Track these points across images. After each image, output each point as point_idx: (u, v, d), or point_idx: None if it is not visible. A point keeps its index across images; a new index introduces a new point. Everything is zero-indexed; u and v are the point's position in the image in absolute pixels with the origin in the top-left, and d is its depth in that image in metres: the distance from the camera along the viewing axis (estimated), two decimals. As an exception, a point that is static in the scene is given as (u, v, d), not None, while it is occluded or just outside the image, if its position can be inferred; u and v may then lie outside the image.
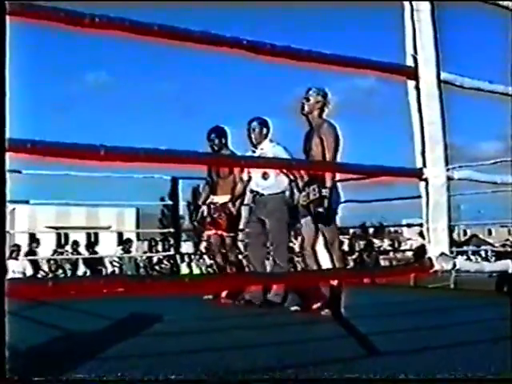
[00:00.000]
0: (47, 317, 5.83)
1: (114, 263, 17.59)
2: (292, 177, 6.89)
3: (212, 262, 9.42)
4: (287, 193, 7.02)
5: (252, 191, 7.30)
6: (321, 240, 6.32)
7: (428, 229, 2.72)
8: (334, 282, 5.90)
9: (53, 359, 3.93)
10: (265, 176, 7.01)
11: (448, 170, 2.74)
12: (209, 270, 15.78)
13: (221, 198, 7.72)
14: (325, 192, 6.00)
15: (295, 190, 6.85)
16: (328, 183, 6.02)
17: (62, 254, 17.37)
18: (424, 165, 2.69)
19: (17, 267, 14.31)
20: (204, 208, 7.92)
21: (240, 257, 8.30)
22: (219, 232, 7.74)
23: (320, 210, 6.04)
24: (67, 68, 72.64)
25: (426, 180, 2.68)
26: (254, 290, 6.88)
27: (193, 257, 16.61)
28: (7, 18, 1.85)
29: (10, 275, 13.69)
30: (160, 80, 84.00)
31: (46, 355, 4.08)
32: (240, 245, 8.74)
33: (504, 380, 3.28)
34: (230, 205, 7.59)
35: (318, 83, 6.52)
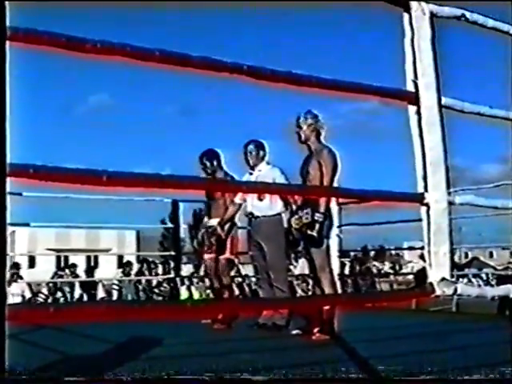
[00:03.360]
0: (46, 340, 5.82)
1: (114, 286, 17.59)
2: (287, 200, 6.92)
3: (210, 285, 9.42)
4: (284, 215, 7.03)
5: (247, 213, 7.32)
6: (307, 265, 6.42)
7: (429, 253, 2.72)
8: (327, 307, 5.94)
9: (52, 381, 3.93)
10: (260, 197, 7.03)
11: (450, 193, 2.74)
12: (207, 292, 15.77)
13: (215, 221, 7.73)
14: (317, 216, 6.05)
15: (288, 213, 6.87)
16: (322, 208, 6.07)
17: (61, 276, 17.33)
18: (425, 189, 2.69)
19: (15, 290, 14.35)
20: (202, 231, 7.96)
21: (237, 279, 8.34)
22: (214, 255, 7.76)
23: (310, 232, 6.09)
24: (71, 90, 72.78)
25: (427, 205, 2.69)
26: (265, 314, 6.88)
27: (192, 280, 16.60)
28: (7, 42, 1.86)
29: (9, 298, 13.76)
30: (161, 102, 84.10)
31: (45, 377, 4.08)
32: (241, 267, 8.75)
33: (504, 380, 3.28)
34: (218, 228, 7.58)
35: (322, 105, 6.58)
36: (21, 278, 15.33)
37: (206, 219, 8.03)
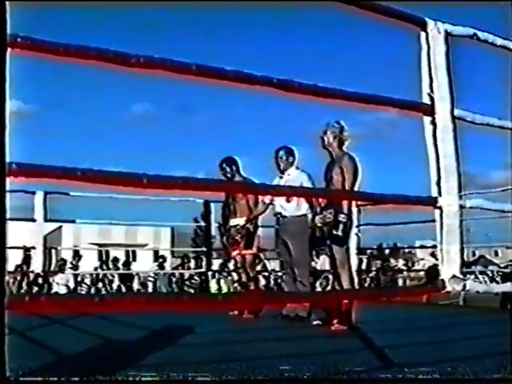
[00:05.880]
0: (88, 326, 5.86)
1: (150, 278, 17.72)
2: (312, 202, 6.94)
3: (237, 278, 9.45)
4: (309, 215, 7.05)
5: (276, 213, 7.35)
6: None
7: (442, 252, 2.72)
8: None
9: (94, 364, 3.95)
10: (288, 199, 7.05)
11: (461, 197, 2.73)
12: (235, 285, 15.81)
13: (239, 221, 7.79)
14: (342, 218, 6.06)
15: (312, 214, 6.89)
16: (345, 209, 6.08)
17: (105, 268, 17.54)
18: (439, 194, 2.69)
19: (61, 280, 14.53)
20: (228, 229, 8.03)
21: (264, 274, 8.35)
22: (240, 252, 7.82)
23: (335, 232, 6.10)
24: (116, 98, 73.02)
25: (440, 208, 2.68)
26: (289, 306, 6.90)
27: (222, 273, 16.66)
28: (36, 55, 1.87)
29: (54, 287, 13.96)
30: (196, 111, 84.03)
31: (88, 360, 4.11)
32: (266, 262, 8.74)
33: (504, 380, 3.25)
34: (248, 225, 7.67)
35: (344, 115, 6.59)
36: (74, 267, 15.70)
37: (228, 218, 8.10)
